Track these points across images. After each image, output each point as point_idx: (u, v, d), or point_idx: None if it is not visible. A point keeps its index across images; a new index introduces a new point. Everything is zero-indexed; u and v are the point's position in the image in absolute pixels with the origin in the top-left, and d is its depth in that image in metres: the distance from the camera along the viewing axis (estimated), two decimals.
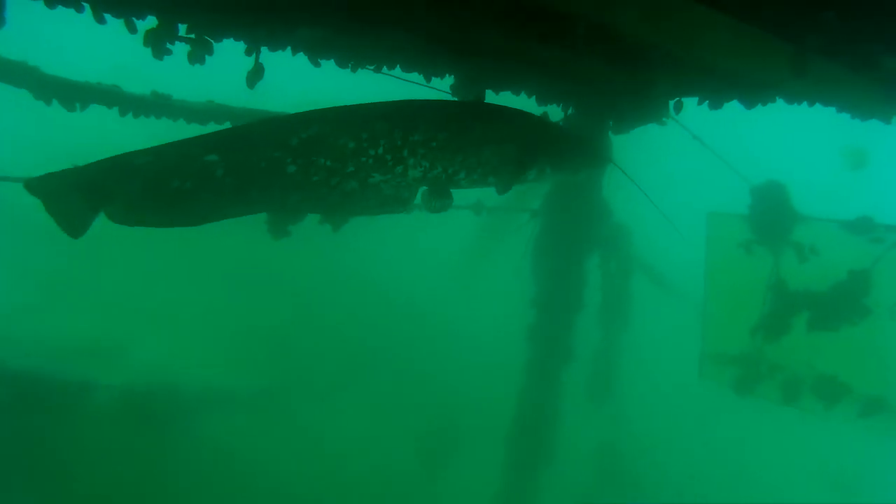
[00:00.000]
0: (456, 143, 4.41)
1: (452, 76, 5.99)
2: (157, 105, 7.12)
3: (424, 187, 4.50)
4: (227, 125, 7.16)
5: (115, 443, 8.50)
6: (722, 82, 5.44)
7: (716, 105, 5.69)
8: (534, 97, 6.55)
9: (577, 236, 7.85)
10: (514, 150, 4.70)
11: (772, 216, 6.87)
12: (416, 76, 5.96)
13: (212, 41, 4.56)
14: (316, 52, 5.13)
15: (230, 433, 9.42)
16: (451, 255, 14.87)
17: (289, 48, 5.00)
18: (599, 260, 9.17)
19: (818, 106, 5.39)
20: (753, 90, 5.28)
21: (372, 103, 4.28)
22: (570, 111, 7.13)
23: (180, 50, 4.54)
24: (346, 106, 4.21)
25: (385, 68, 5.67)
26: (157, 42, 4.42)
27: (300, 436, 9.86)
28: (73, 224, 3.87)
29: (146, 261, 13.12)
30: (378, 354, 11.89)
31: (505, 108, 4.90)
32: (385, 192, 4.41)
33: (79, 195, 3.76)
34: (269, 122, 4.40)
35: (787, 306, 6.97)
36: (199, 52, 4.57)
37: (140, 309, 11.89)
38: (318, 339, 12.30)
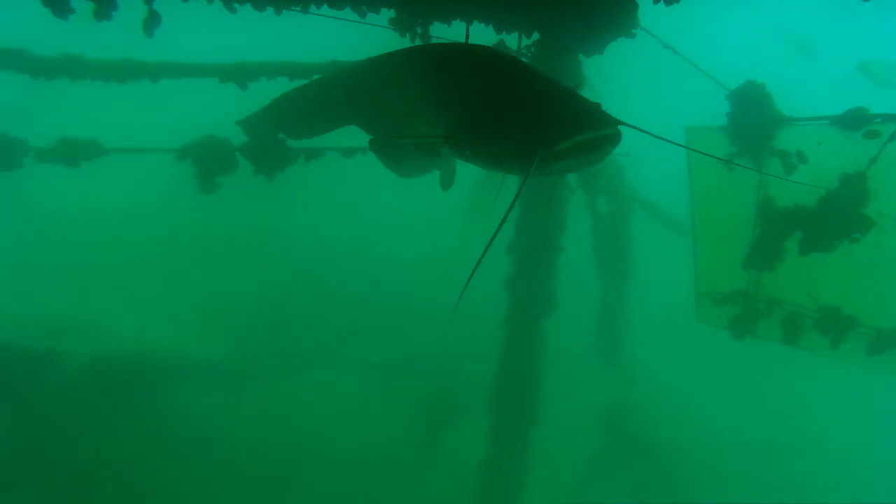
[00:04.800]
0: None
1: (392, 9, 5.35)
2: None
3: None
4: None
5: (82, 412, 8.21)
6: None
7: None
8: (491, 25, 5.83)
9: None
10: None
11: (751, 122, 5.91)
12: (348, 13, 5.35)
13: None
14: None
15: (207, 403, 9.00)
16: (446, 217, 14.15)
17: None
18: (586, 199, 8.32)
19: None
20: None
21: None
22: (533, 37, 6.37)
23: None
24: None
25: (313, 7, 5.07)
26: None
27: (284, 405, 9.38)
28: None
29: (123, 234, 12.93)
30: (368, 320, 11.38)
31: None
32: None
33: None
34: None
35: (777, 229, 6.00)
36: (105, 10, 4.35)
37: (115, 283, 11.63)
38: (305, 307, 11.81)
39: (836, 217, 5.43)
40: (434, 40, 5.75)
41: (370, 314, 11.69)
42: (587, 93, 6.97)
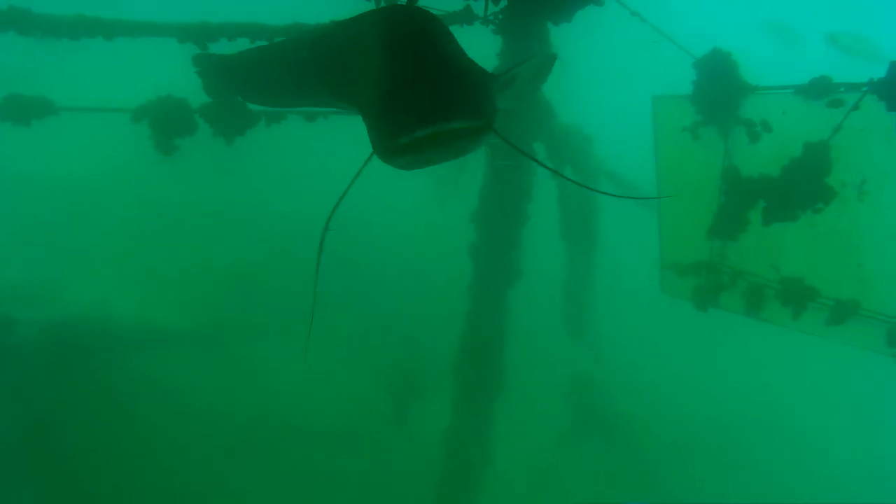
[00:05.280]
0: None
1: None
2: None
3: None
4: None
5: (38, 380, 8.05)
6: None
7: None
8: None
9: (513, 141, 6.98)
10: None
11: (717, 91, 5.86)
12: None
13: None
14: None
15: (172, 372, 8.88)
16: (419, 186, 14.03)
17: None
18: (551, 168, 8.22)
19: None
20: None
21: None
22: (501, 3, 6.23)
23: None
24: None
25: None
26: None
27: (249, 375, 9.34)
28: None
29: (82, 197, 12.59)
30: (338, 292, 11.28)
31: None
32: None
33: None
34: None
35: (741, 198, 5.97)
36: None
37: (73, 248, 11.35)
38: (271, 276, 11.63)
39: (799, 186, 5.41)
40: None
41: (337, 284, 11.56)
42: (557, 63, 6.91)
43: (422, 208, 13.85)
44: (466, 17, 6.04)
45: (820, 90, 5.33)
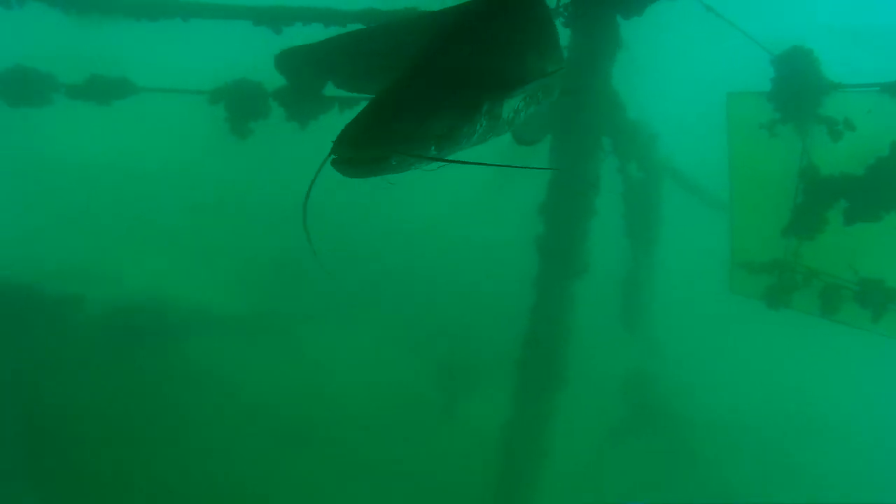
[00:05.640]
0: None
1: None
2: None
3: None
4: None
5: (100, 358, 8.30)
6: None
7: None
8: None
9: (584, 136, 6.94)
10: None
11: (797, 88, 5.76)
12: None
13: None
14: None
15: (226, 355, 9.07)
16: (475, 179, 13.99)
17: None
18: (618, 164, 8.20)
19: None
20: None
21: None
22: None
23: None
24: None
25: None
26: None
27: (302, 362, 9.40)
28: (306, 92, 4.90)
29: (148, 181, 12.85)
30: (393, 281, 11.33)
31: None
32: None
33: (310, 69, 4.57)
34: None
35: (820, 197, 5.87)
36: None
37: (139, 234, 11.70)
38: (328, 263, 11.56)
39: (885, 186, 5.31)
40: None
41: (393, 273, 11.63)
42: (623, 56, 6.83)
43: (479, 198, 13.82)
44: None
45: None
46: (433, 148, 3.07)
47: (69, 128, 11.79)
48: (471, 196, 13.95)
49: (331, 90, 6.31)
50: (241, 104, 6.50)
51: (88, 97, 6.46)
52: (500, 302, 9.36)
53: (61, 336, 8.49)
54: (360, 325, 10.47)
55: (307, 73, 6.00)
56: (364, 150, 2.85)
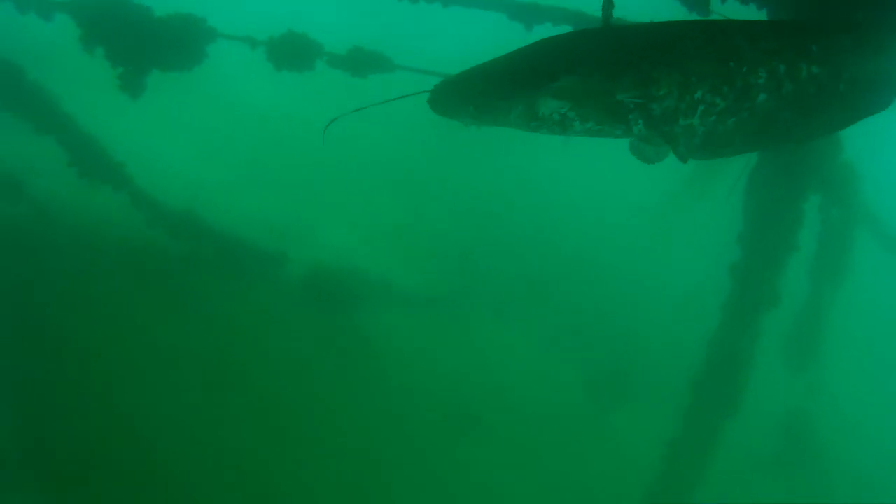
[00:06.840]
0: None
1: None
2: None
3: None
4: None
5: (295, 314, 8.87)
6: None
7: None
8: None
9: (798, 170, 6.96)
10: None
11: None
12: None
13: None
14: None
15: (401, 330, 9.53)
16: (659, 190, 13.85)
17: None
18: (821, 201, 8.15)
19: None
20: None
21: None
22: None
23: None
24: None
25: None
26: None
27: (471, 351, 9.78)
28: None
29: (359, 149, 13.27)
30: (559, 282, 11.53)
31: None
32: None
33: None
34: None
35: None
36: None
37: (333, 199, 12.38)
38: (503, 259, 12.09)
39: None
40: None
41: (572, 277, 11.83)
42: None
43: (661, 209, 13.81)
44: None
45: None
46: (512, 116, 3.51)
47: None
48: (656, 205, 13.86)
49: None
50: None
51: (346, 68, 6.72)
52: (671, 316, 9.51)
53: (266, 290, 9.10)
54: (531, 322, 10.80)
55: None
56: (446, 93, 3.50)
